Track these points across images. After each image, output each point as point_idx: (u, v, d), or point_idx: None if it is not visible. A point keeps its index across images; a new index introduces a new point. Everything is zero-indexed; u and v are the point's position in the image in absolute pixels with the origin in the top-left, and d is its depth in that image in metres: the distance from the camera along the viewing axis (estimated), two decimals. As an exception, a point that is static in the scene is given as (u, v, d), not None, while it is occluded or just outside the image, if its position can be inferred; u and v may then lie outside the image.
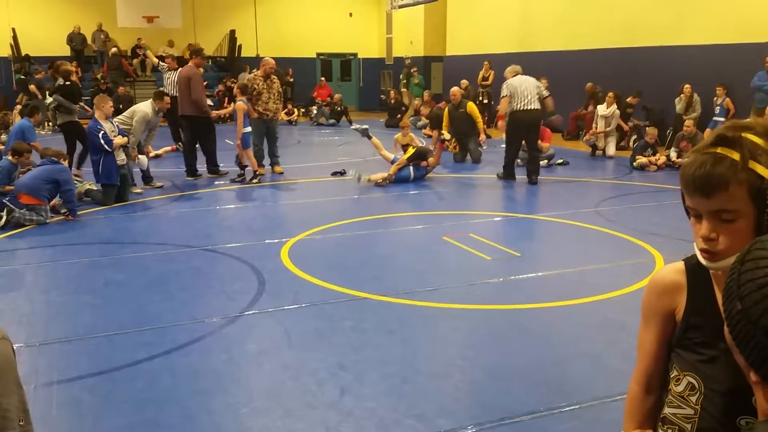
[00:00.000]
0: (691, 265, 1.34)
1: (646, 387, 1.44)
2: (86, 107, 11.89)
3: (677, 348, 1.36)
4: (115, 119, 8.64)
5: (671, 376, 1.37)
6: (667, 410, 1.37)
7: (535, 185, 9.57)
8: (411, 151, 9.83)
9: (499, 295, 5.02)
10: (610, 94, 12.49)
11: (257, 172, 9.74)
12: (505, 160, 9.97)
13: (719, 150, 1.19)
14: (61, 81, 10.05)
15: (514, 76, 9.64)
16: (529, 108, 9.51)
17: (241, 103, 9.53)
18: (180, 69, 10.44)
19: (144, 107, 9.06)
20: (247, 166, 9.79)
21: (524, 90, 9.47)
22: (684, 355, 1.33)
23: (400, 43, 23.99)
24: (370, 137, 10.34)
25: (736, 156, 1.17)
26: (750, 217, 1.19)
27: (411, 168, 9.77)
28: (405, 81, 21.48)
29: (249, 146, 9.63)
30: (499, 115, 9.70)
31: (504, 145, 10.31)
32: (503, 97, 9.53)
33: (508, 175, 9.93)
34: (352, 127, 10.76)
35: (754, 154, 1.17)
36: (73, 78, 10.06)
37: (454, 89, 11.95)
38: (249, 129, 9.66)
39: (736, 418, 1.23)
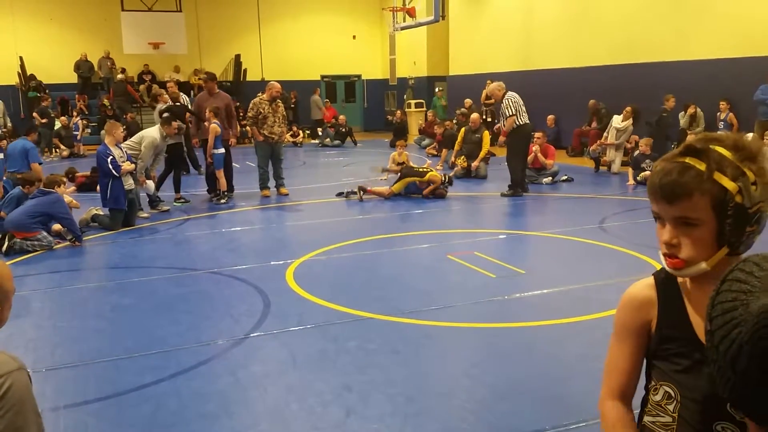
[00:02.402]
0: (661, 279, 1.38)
1: (625, 401, 1.45)
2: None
3: (654, 359, 1.39)
4: (122, 144, 8.74)
5: (650, 385, 1.40)
6: (646, 419, 1.41)
7: (533, 199, 9.64)
8: (402, 182, 10.14)
9: (503, 313, 5.01)
10: (628, 108, 12.52)
11: (224, 192, 9.92)
12: (514, 176, 10.02)
13: (687, 160, 1.23)
14: (168, 103, 10.29)
15: (505, 92, 9.86)
16: (528, 120, 9.98)
17: (214, 125, 9.76)
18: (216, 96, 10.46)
19: (152, 132, 9.14)
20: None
21: (523, 104, 9.89)
22: (660, 365, 1.36)
23: (403, 64, 24.19)
24: (365, 190, 10.05)
25: (702, 167, 1.21)
26: (711, 227, 1.23)
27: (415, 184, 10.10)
28: (435, 101, 20.91)
29: (221, 167, 9.85)
30: (504, 132, 9.87)
31: (505, 163, 10.36)
32: (512, 115, 9.70)
33: (518, 190, 9.98)
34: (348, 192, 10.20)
35: (721, 166, 1.21)
36: (181, 100, 10.23)
37: (475, 116, 12.65)
38: (222, 150, 9.85)
39: (713, 424, 1.26)
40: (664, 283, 1.37)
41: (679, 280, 1.36)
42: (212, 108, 9.98)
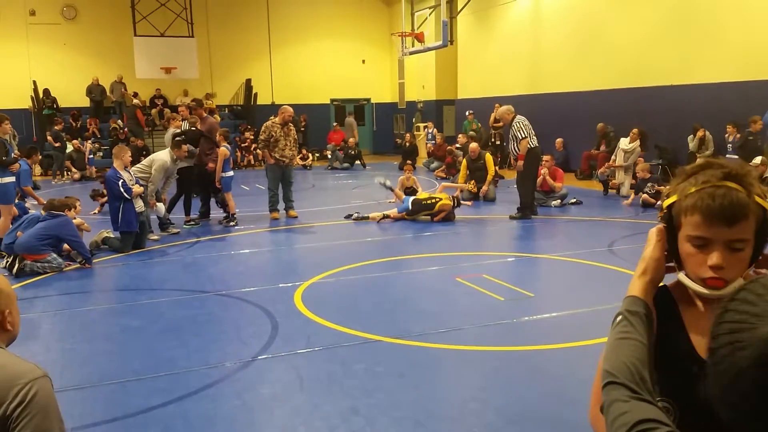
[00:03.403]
0: (659, 295, 1.38)
1: None
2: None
3: None
4: (134, 167, 8.84)
5: None
6: None
7: (542, 222, 9.61)
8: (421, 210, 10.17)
9: (512, 336, 4.99)
10: (634, 130, 12.53)
11: (233, 215, 10.02)
12: (524, 199, 10.04)
13: (729, 184, 1.25)
14: (181, 127, 10.42)
15: (514, 115, 9.89)
16: (537, 143, 10.05)
17: (223, 149, 9.94)
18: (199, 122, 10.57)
19: (163, 156, 9.21)
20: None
21: (531, 127, 9.93)
22: (658, 380, 1.35)
23: (412, 88, 24.36)
24: (393, 189, 11.17)
25: (743, 190, 1.25)
26: (751, 246, 1.27)
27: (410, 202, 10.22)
28: (465, 125, 19.51)
29: (229, 190, 10.01)
30: (521, 155, 9.85)
31: (514, 186, 10.39)
32: (524, 138, 9.73)
33: (526, 213, 9.99)
34: (377, 180, 11.55)
35: (756, 189, 1.27)
36: (199, 126, 10.35)
37: (473, 145, 12.66)
38: (231, 173, 10.07)
39: None
40: (662, 299, 1.37)
41: (677, 296, 1.38)
42: (221, 132, 10.10)
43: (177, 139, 9.59)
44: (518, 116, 9.92)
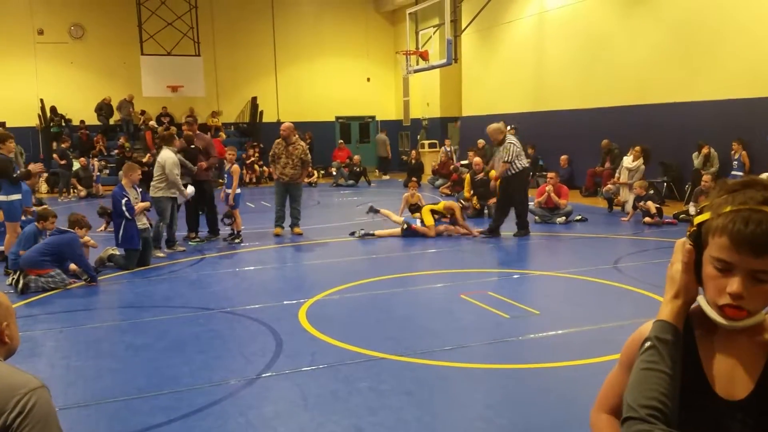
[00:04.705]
0: None
1: (618, 418, 1.33)
2: None
3: None
4: (153, 181, 8.96)
5: None
6: None
7: (547, 239, 9.59)
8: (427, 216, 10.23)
9: (518, 354, 4.96)
10: (637, 147, 12.54)
11: (239, 232, 10.09)
12: (521, 217, 10.01)
13: None
14: (183, 145, 10.61)
15: (504, 135, 9.80)
16: (527, 164, 10.08)
17: (236, 167, 10.26)
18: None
19: (166, 154, 9.16)
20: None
21: (521, 148, 9.90)
22: None
23: (417, 105, 24.48)
24: (377, 211, 11.08)
25: None
26: None
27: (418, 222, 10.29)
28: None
29: (238, 206, 10.20)
30: (496, 176, 9.95)
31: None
32: (506, 161, 9.60)
33: (528, 230, 9.98)
34: (368, 212, 11.40)
35: None
36: (197, 143, 10.46)
37: (477, 159, 12.63)
38: (239, 191, 10.31)
39: None
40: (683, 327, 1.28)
41: (696, 331, 1.30)
42: (230, 149, 10.18)
43: (165, 134, 9.81)
44: (509, 136, 9.82)
